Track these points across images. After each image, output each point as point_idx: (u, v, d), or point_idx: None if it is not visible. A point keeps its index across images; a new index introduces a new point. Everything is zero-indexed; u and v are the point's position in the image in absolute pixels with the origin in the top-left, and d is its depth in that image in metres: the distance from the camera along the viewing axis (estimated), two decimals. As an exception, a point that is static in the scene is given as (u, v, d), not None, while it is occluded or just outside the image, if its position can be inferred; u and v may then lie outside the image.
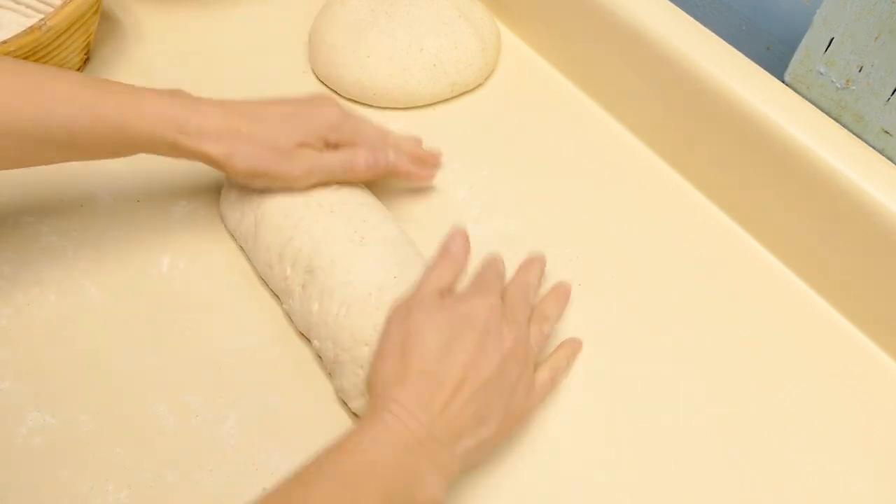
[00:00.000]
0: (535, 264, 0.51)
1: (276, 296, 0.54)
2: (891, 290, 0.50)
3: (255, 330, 0.53)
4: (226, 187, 0.57)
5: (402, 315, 0.45)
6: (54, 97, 0.46)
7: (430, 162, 0.58)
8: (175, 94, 0.50)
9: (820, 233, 0.52)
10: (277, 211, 0.52)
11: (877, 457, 0.48)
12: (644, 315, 0.54)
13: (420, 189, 0.60)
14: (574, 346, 0.51)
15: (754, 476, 0.47)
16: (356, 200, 0.53)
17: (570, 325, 0.53)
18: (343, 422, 0.49)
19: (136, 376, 0.50)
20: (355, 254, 0.49)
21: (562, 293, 0.51)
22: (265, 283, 0.54)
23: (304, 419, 0.49)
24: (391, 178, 0.57)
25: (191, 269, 0.55)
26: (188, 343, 0.52)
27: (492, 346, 0.44)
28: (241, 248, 0.56)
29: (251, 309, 0.53)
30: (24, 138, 0.46)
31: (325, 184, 0.53)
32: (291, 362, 0.51)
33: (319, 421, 0.49)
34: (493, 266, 0.49)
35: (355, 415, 0.48)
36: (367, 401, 0.46)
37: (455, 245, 0.48)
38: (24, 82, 0.47)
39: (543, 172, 0.61)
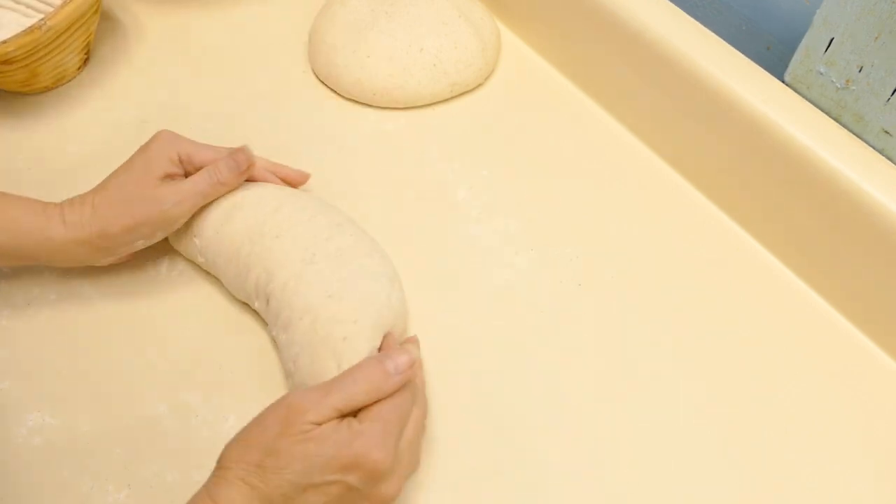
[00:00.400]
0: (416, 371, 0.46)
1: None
2: (891, 290, 0.50)
3: (256, 330, 0.53)
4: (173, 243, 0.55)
5: (288, 414, 0.41)
6: None
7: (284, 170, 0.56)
8: (35, 201, 0.50)
9: (820, 233, 0.52)
10: (225, 258, 0.51)
11: (877, 457, 0.48)
12: (644, 315, 0.53)
13: (420, 188, 0.60)
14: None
15: (754, 476, 0.47)
16: (302, 214, 0.51)
17: (571, 325, 0.53)
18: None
19: (136, 376, 0.50)
20: (303, 274, 0.47)
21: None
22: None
23: (304, 419, 0.49)
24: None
25: (191, 269, 0.55)
26: (188, 343, 0.52)
27: (352, 502, 0.41)
28: None
29: (250, 310, 0.53)
30: None
31: (255, 209, 0.51)
32: (291, 362, 0.51)
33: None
34: (407, 396, 0.44)
35: None
36: None
37: (394, 363, 0.43)
38: None
39: (543, 172, 0.61)
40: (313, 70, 0.67)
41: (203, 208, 0.52)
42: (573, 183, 0.60)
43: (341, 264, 0.48)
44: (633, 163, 0.62)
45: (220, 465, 0.41)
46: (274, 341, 0.50)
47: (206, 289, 0.54)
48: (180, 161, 0.51)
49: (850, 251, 0.51)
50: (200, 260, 0.53)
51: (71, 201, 0.50)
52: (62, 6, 0.59)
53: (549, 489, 0.47)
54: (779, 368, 0.51)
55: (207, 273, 0.55)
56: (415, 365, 0.44)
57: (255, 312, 0.53)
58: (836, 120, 0.52)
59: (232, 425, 0.48)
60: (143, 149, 0.52)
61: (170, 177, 0.51)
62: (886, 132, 0.50)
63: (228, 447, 0.41)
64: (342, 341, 0.45)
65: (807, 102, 0.53)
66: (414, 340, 0.49)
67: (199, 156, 0.52)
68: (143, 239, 0.51)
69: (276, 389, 0.50)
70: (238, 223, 0.51)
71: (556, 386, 0.50)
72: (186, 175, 0.52)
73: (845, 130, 0.51)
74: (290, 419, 0.40)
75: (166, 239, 0.54)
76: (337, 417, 0.41)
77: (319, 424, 0.40)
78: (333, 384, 0.42)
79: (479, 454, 0.48)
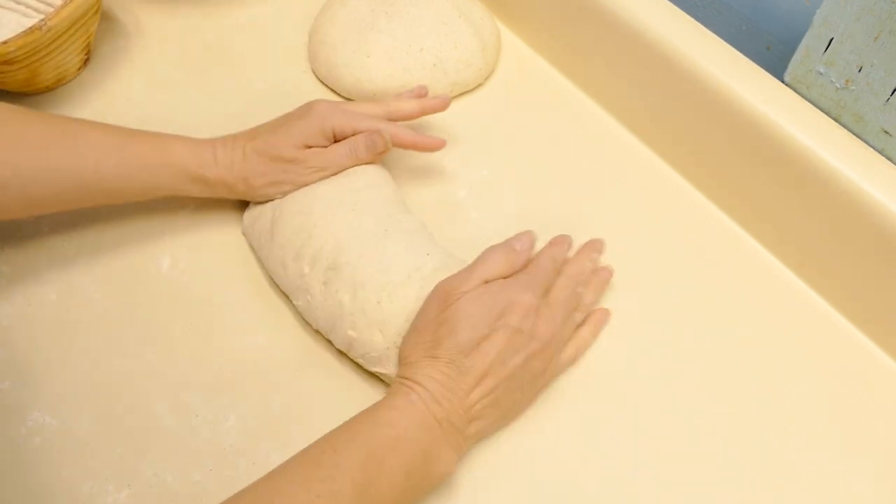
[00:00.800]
0: (594, 249, 0.53)
1: (280, 295, 0.54)
2: (891, 290, 0.50)
3: (256, 330, 0.53)
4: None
5: (444, 294, 0.47)
6: (87, 143, 0.51)
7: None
8: (190, 138, 0.54)
9: (820, 233, 0.52)
10: (296, 209, 0.53)
11: (877, 457, 0.48)
12: (644, 315, 0.53)
13: (420, 188, 0.60)
14: (601, 317, 0.52)
15: (754, 475, 0.47)
16: (378, 198, 0.54)
17: (570, 325, 0.53)
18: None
19: (136, 376, 0.51)
20: (383, 245, 0.50)
21: (603, 280, 0.53)
22: (273, 281, 0.54)
23: (304, 419, 0.49)
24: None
25: (191, 268, 0.55)
26: (188, 343, 0.52)
27: (521, 345, 0.46)
28: (251, 247, 0.56)
29: (252, 309, 0.53)
30: (58, 183, 0.50)
31: (347, 179, 0.55)
32: (292, 362, 0.51)
33: (320, 421, 0.49)
34: (551, 254, 0.50)
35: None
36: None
37: (520, 243, 0.50)
38: (59, 130, 0.51)
39: (543, 172, 0.61)
40: (313, 70, 0.67)
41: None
42: (573, 183, 0.60)
43: (413, 239, 0.52)
44: (633, 163, 0.62)
45: (402, 361, 0.46)
46: (332, 307, 0.50)
47: (207, 288, 0.54)
48: (333, 134, 0.55)
49: (850, 251, 0.51)
50: (269, 206, 0.55)
51: (223, 141, 0.54)
52: (62, 6, 0.59)
53: (550, 487, 0.47)
54: (779, 368, 0.51)
55: (208, 273, 0.55)
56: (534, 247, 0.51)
57: (256, 312, 0.53)
58: (835, 120, 0.52)
59: (232, 425, 0.48)
60: (301, 114, 0.55)
61: (317, 141, 0.54)
62: (886, 132, 0.50)
63: (404, 343, 0.47)
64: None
65: (807, 102, 0.53)
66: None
67: (350, 130, 0.55)
68: (279, 194, 0.54)
69: (276, 389, 0.50)
70: (326, 186, 0.54)
71: (555, 386, 0.50)
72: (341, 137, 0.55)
73: (845, 130, 0.51)
74: (447, 297, 0.46)
75: (166, 235, 0.54)
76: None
77: (471, 290, 0.46)
78: (474, 265, 0.48)
79: (478, 453, 0.48)
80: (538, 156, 0.62)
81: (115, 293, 0.54)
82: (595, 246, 0.53)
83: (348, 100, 0.65)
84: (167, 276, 0.55)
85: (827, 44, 0.51)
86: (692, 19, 0.57)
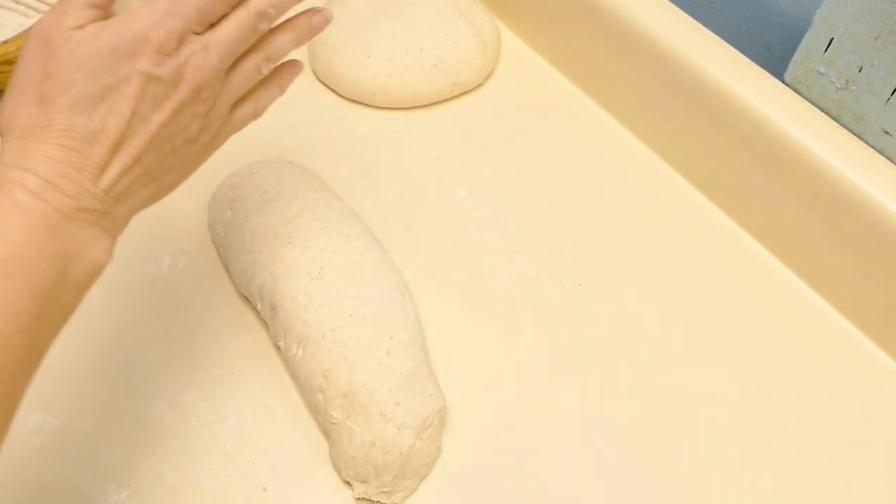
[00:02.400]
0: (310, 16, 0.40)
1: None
2: (891, 290, 0.50)
3: (256, 330, 0.53)
4: (208, 216, 0.56)
5: (45, 35, 0.35)
6: None
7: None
8: None
9: (820, 233, 0.52)
10: (239, 248, 0.52)
11: (877, 457, 0.48)
12: (644, 315, 0.53)
13: (420, 188, 0.60)
14: (293, 69, 0.42)
15: (754, 475, 0.47)
16: (314, 225, 0.51)
17: (570, 325, 0.53)
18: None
19: (136, 376, 0.50)
20: (313, 289, 0.48)
21: (305, 25, 0.40)
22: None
23: (304, 419, 0.49)
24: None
25: (191, 268, 0.55)
26: (188, 343, 0.52)
27: (162, 95, 0.35)
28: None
29: (251, 310, 0.53)
30: None
31: (280, 206, 0.51)
32: (291, 362, 0.51)
33: (319, 421, 0.49)
34: None
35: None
36: (339, 450, 0.44)
37: None
38: None
39: (543, 172, 0.61)
40: (313, 70, 0.67)
41: (240, 190, 0.52)
42: (573, 183, 0.60)
43: (349, 281, 0.48)
44: (633, 163, 0.62)
45: (2, 134, 0.34)
46: (277, 348, 0.50)
47: (207, 288, 0.54)
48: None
49: (850, 251, 0.51)
50: (219, 241, 0.54)
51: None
52: (62, 6, 0.59)
53: (547, 489, 0.47)
54: (779, 368, 0.51)
55: (208, 272, 0.55)
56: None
57: (255, 312, 0.53)
58: (835, 120, 0.52)
59: (232, 425, 0.48)
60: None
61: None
62: (886, 132, 0.50)
63: (2, 109, 0.34)
64: (386, 355, 0.46)
65: (807, 102, 0.53)
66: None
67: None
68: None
69: (276, 389, 0.50)
70: (261, 218, 0.51)
71: (554, 386, 0.50)
72: None
73: (845, 130, 0.51)
74: (50, 40, 0.34)
75: (166, 235, 0.54)
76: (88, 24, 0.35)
77: (81, 28, 0.34)
78: None
79: (476, 453, 0.48)
80: (538, 156, 0.62)
81: (114, 293, 0.54)
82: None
83: (349, 100, 0.65)
84: (167, 276, 0.55)
85: (827, 44, 0.51)
86: (692, 19, 0.57)
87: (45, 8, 0.63)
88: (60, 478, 0.47)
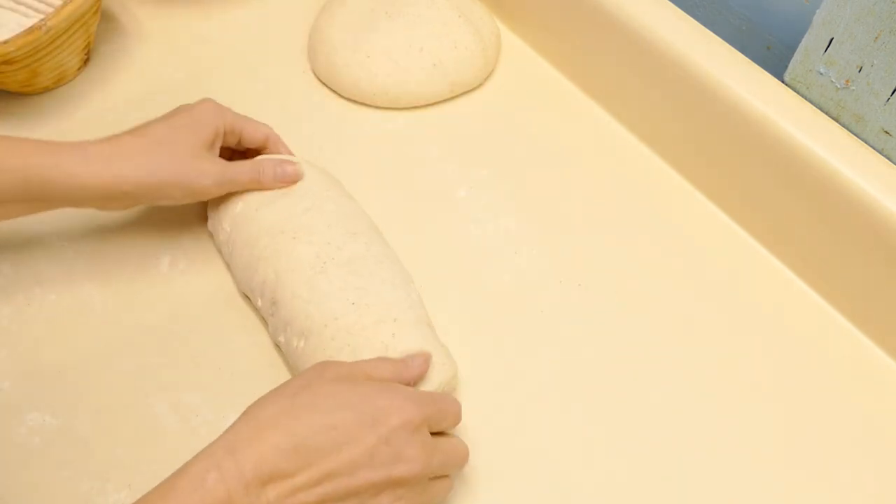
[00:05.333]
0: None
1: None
2: (891, 290, 0.50)
3: (256, 329, 0.53)
4: (208, 217, 0.55)
5: (322, 369, 0.41)
6: None
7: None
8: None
9: (819, 233, 0.52)
10: (243, 243, 0.51)
11: (877, 457, 0.48)
12: (644, 315, 0.53)
13: (420, 188, 0.60)
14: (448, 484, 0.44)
15: (754, 475, 0.47)
16: (320, 222, 0.51)
17: (570, 325, 0.53)
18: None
19: (136, 376, 0.50)
20: (316, 282, 0.48)
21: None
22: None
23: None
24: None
25: (191, 268, 0.55)
26: (188, 343, 0.52)
27: (382, 462, 0.38)
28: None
29: (251, 309, 0.53)
30: None
31: (289, 201, 0.52)
32: (291, 362, 0.51)
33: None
34: (452, 400, 0.44)
35: None
36: None
37: (413, 360, 0.45)
38: None
39: (543, 172, 0.61)
40: (313, 70, 0.67)
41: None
42: (573, 183, 0.60)
43: (352, 273, 0.48)
44: (633, 163, 0.62)
45: (247, 415, 0.39)
46: (277, 344, 0.50)
47: (207, 287, 0.54)
48: (224, 133, 0.52)
49: (850, 251, 0.51)
50: (223, 237, 0.53)
51: (100, 140, 0.48)
52: (62, 6, 0.59)
53: (547, 490, 0.47)
54: (779, 368, 0.51)
55: (208, 271, 0.55)
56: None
57: (255, 312, 0.53)
58: (835, 120, 0.52)
59: (232, 425, 0.48)
60: (188, 111, 0.51)
61: (212, 145, 0.51)
62: (886, 132, 0.50)
63: (261, 401, 0.40)
64: (391, 337, 0.46)
65: (807, 102, 0.53)
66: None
67: (246, 129, 0.53)
68: (168, 200, 0.50)
69: (276, 389, 0.50)
70: (269, 213, 0.51)
71: (555, 385, 0.50)
72: (225, 144, 0.53)
73: (845, 130, 0.51)
74: (323, 372, 0.41)
75: (166, 235, 0.54)
76: None
77: None
78: (361, 361, 0.43)
79: (476, 453, 0.48)
80: (538, 155, 0.62)
81: (115, 293, 0.54)
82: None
83: (349, 100, 0.65)
84: (167, 276, 0.55)
85: (827, 44, 0.51)
86: (692, 19, 0.57)
87: (45, 8, 0.63)
88: (60, 478, 0.47)
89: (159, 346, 0.52)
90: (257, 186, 0.52)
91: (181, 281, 0.55)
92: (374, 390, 0.40)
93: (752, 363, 0.52)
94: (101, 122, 0.64)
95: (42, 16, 0.61)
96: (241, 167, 0.52)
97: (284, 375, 0.50)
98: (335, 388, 0.40)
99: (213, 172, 0.50)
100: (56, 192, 0.47)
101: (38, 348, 0.52)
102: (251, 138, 0.54)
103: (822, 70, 0.52)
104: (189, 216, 0.57)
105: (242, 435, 0.38)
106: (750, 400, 0.50)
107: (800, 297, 0.55)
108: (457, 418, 0.43)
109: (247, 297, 0.54)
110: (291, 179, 0.53)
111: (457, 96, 0.66)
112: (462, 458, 0.43)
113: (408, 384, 0.43)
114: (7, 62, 0.58)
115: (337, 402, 0.39)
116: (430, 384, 0.45)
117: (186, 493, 0.36)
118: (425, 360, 0.45)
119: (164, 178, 0.49)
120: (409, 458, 0.39)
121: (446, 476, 0.43)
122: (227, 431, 0.39)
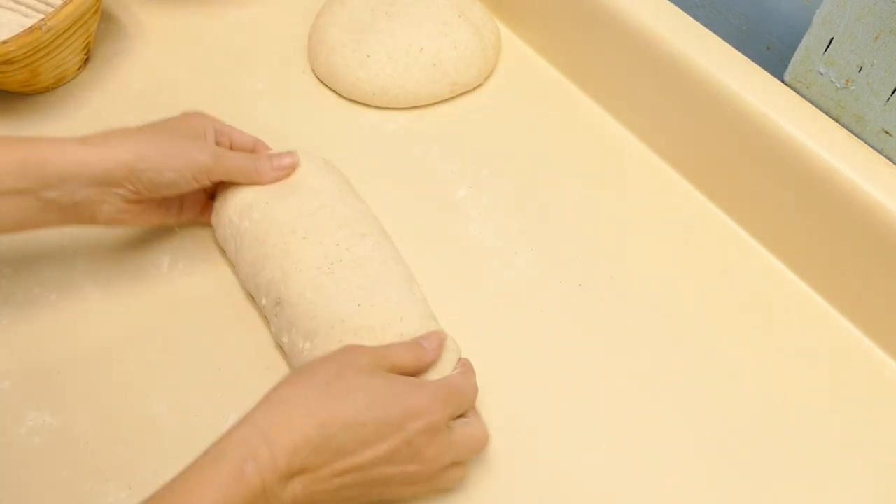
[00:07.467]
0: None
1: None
2: (891, 290, 0.50)
3: (257, 329, 0.53)
4: (214, 209, 0.55)
5: (352, 358, 0.42)
6: None
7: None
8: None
9: (819, 233, 0.52)
10: (252, 239, 0.51)
11: (877, 457, 0.48)
12: (644, 315, 0.53)
13: (420, 188, 0.60)
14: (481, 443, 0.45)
15: (753, 475, 0.47)
16: (331, 222, 0.51)
17: (571, 325, 0.53)
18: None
19: (136, 376, 0.51)
20: (323, 283, 0.48)
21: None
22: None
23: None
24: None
25: (191, 268, 0.55)
26: (188, 343, 0.52)
27: (401, 460, 0.40)
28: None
29: (252, 309, 0.53)
30: None
31: (299, 199, 0.52)
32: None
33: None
34: (469, 379, 0.45)
35: None
36: None
37: (428, 341, 0.45)
38: None
39: (543, 172, 0.61)
40: (313, 70, 0.67)
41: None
42: (573, 183, 0.60)
43: (358, 274, 0.48)
44: (633, 162, 0.62)
45: (276, 398, 0.40)
46: (279, 345, 0.50)
47: (207, 287, 0.54)
48: (216, 133, 0.52)
49: (850, 251, 0.51)
50: (230, 230, 0.53)
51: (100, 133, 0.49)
52: (62, 6, 0.59)
53: (546, 489, 0.47)
54: (778, 368, 0.51)
55: (209, 272, 0.55)
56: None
57: (256, 312, 0.53)
58: (835, 120, 0.52)
59: (231, 425, 0.48)
60: (179, 118, 0.52)
61: (205, 137, 0.51)
62: (886, 132, 0.50)
63: (295, 376, 0.41)
64: (399, 338, 0.46)
65: (807, 102, 0.53)
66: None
67: (234, 135, 0.53)
68: (170, 176, 0.49)
69: (276, 389, 0.50)
70: (280, 210, 0.51)
71: (555, 385, 0.50)
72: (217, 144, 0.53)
73: (845, 130, 0.51)
74: (355, 360, 0.41)
75: (166, 235, 0.54)
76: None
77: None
78: (384, 347, 0.44)
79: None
80: (538, 156, 0.62)
81: (115, 293, 0.54)
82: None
83: (349, 100, 0.65)
84: (167, 276, 0.55)
85: (827, 44, 0.51)
86: (692, 19, 0.57)
87: (45, 8, 0.63)
88: (60, 478, 0.47)
89: (159, 347, 0.52)
90: (254, 173, 0.52)
91: (181, 281, 0.55)
92: (405, 389, 0.41)
93: (752, 362, 0.52)
94: (101, 122, 0.64)
95: (42, 16, 0.61)
96: (243, 157, 0.53)
97: (283, 375, 0.50)
98: (368, 382, 0.40)
99: (210, 150, 0.51)
100: (54, 173, 0.46)
101: (38, 348, 0.52)
102: (241, 141, 0.54)
103: (822, 70, 0.52)
104: (189, 216, 0.58)
105: (275, 419, 0.39)
106: (751, 399, 0.50)
107: (800, 297, 0.55)
108: (475, 397, 0.45)
109: (247, 297, 0.54)
110: (288, 169, 0.53)
111: (457, 96, 0.66)
112: (480, 443, 0.44)
113: (428, 367, 0.45)
114: (7, 62, 0.58)
115: (370, 399, 0.40)
116: (447, 367, 0.46)
117: (226, 485, 0.37)
118: (440, 341, 0.46)
119: (164, 149, 0.49)
120: (425, 459, 0.41)
121: (460, 464, 0.44)
122: (259, 410, 0.40)
